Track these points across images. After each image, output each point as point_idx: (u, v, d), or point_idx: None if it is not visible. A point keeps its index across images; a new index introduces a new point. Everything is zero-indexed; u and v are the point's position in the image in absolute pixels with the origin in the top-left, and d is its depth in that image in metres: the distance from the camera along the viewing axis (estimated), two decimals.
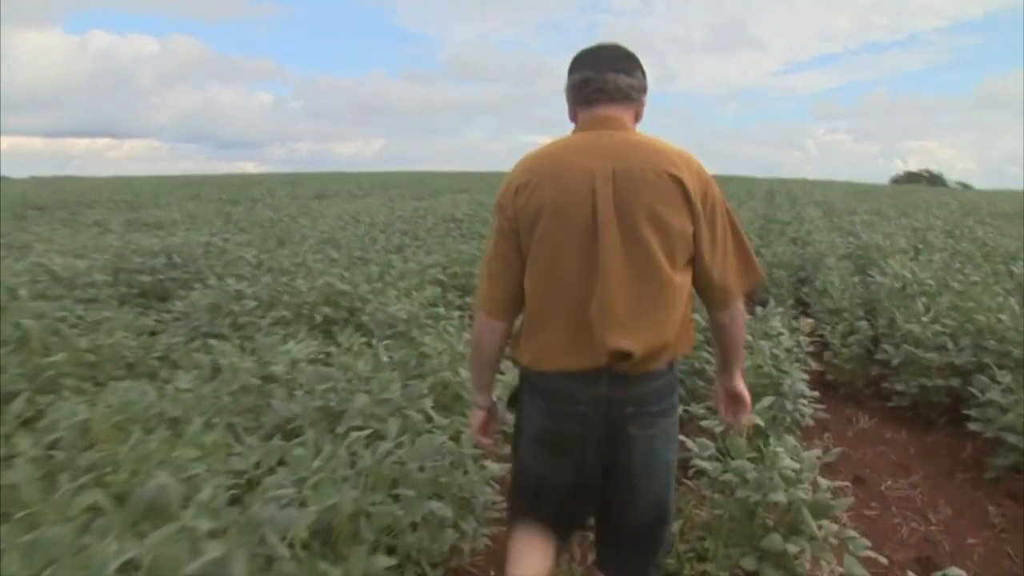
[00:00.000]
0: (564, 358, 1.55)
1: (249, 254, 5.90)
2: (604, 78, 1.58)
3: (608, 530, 1.75)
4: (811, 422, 3.04)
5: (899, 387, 3.97)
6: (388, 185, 28.48)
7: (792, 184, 38.86)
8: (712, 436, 2.36)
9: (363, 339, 3.92)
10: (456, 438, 2.35)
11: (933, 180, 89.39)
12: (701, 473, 2.33)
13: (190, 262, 5.49)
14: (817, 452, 2.24)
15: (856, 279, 5.65)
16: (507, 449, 2.05)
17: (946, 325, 4.00)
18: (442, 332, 3.93)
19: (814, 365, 4.18)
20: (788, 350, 3.20)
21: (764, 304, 6.24)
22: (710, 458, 2.34)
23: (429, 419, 2.41)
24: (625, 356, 1.50)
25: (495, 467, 2.32)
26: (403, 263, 5.57)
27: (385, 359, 2.95)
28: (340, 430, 2.21)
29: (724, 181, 42.89)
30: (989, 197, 27.81)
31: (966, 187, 75.87)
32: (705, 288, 1.59)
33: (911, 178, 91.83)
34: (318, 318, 4.09)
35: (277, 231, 7.73)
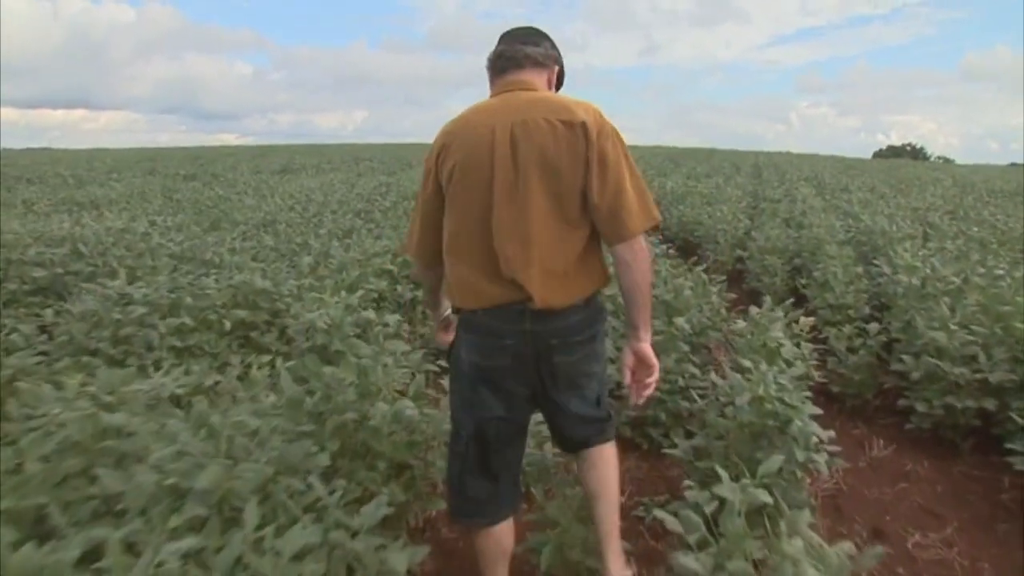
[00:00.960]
0: (479, 298, 1.75)
1: (175, 241, 5.19)
2: (513, 48, 1.84)
3: (558, 428, 1.97)
4: (827, 476, 2.43)
5: (920, 407, 3.38)
6: (361, 158, 27.60)
7: (777, 158, 38.44)
8: (703, 514, 1.73)
9: (276, 355, 3.28)
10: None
11: (915, 154, 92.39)
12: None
13: (98, 253, 4.77)
14: (847, 547, 1.62)
15: (860, 270, 5.04)
16: None
17: (975, 332, 3.40)
18: (375, 342, 3.30)
19: (817, 376, 3.58)
20: (798, 378, 2.57)
21: (758, 301, 5.68)
22: (698, 543, 1.71)
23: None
24: (534, 297, 1.69)
25: None
26: (345, 252, 4.88)
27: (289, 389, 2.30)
28: (174, 523, 1.56)
29: (708, 154, 42.72)
30: (979, 173, 27.47)
31: (947, 161, 77.42)
32: (600, 222, 1.73)
33: (894, 152, 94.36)
34: (228, 325, 3.41)
35: (216, 212, 7.00)
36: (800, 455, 2.21)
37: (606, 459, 2.03)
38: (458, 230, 1.78)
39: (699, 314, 3.81)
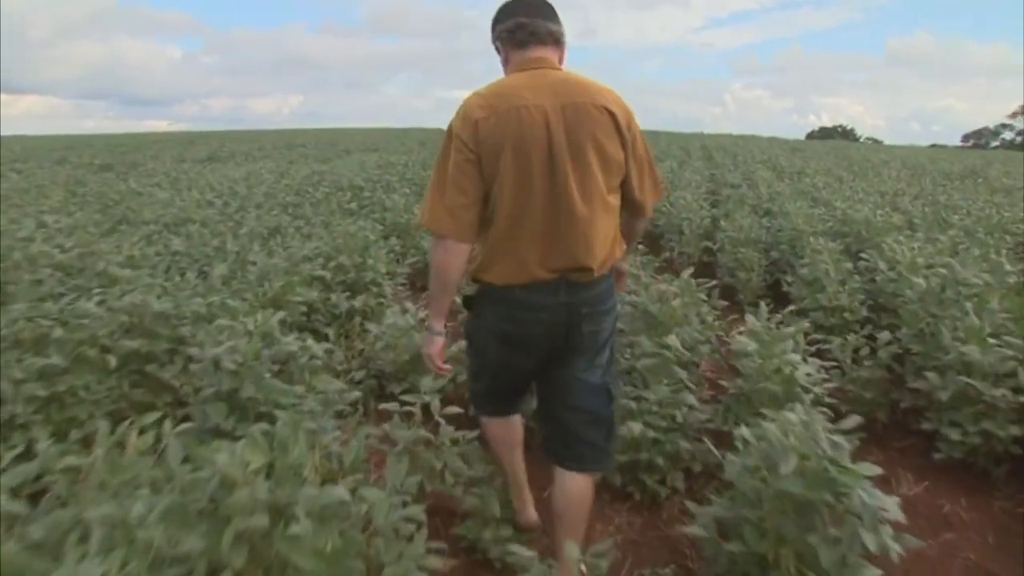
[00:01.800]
0: (531, 273, 1.84)
1: (63, 247, 4.39)
2: (535, 23, 1.88)
3: (567, 419, 2.03)
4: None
5: (952, 434, 2.91)
6: (294, 144, 26.44)
7: (722, 140, 38.55)
8: None
9: (169, 406, 2.62)
10: None
11: (846, 135, 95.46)
12: None
13: None
14: None
15: (849, 266, 4.58)
16: None
17: (1010, 344, 2.94)
18: (301, 379, 2.67)
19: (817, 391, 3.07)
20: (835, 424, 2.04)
21: (733, 298, 5.21)
22: None
23: None
24: (585, 269, 1.85)
25: None
26: (268, 257, 4.19)
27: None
28: None
29: (650, 136, 42.60)
30: (907, 152, 27.88)
31: (876, 142, 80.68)
32: (628, 201, 1.97)
33: (825, 133, 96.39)
34: (113, 362, 2.72)
35: (122, 209, 6.17)
36: (871, 541, 1.67)
37: (585, 487, 2.06)
38: (511, 208, 1.82)
39: (689, 328, 3.27)
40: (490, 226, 1.86)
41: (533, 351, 1.97)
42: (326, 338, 4.08)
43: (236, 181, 8.85)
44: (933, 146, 64.26)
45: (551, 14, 1.93)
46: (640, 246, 5.85)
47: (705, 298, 3.70)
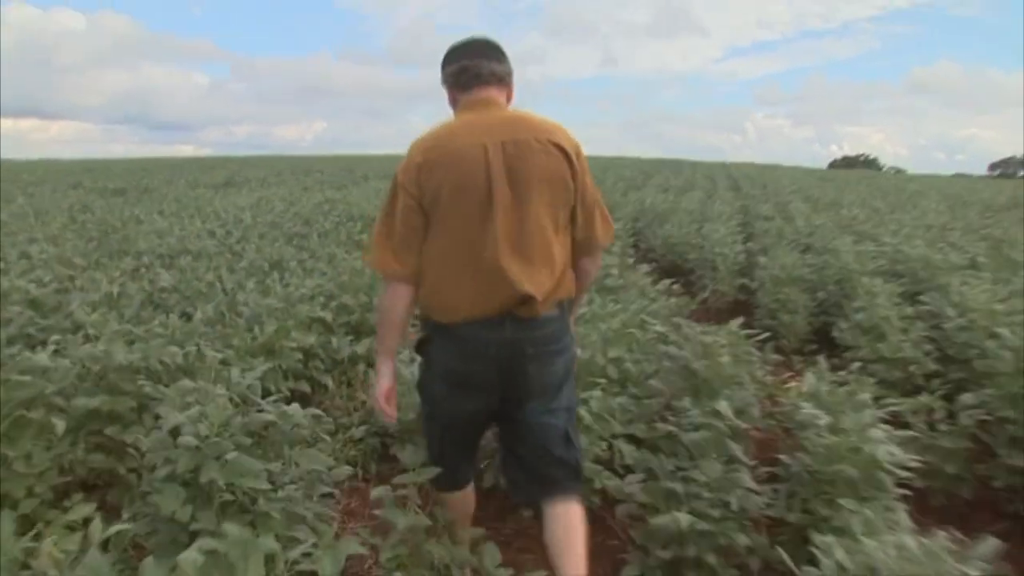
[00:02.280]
0: (472, 309, 1.85)
1: (40, 282, 4.03)
2: (479, 64, 1.93)
3: (530, 462, 2.02)
4: None
5: None
6: (311, 170, 26.31)
7: (743, 168, 38.12)
8: None
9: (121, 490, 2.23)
10: None
11: (869, 164, 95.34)
12: None
13: None
14: None
15: (910, 311, 4.10)
16: None
17: None
18: (281, 454, 2.27)
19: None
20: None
21: (775, 343, 4.74)
22: None
23: None
24: (528, 300, 1.82)
25: None
26: (263, 296, 3.80)
27: None
28: None
29: (670, 164, 42.17)
30: (932, 182, 27.24)
31: (899, 171, 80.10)
32: (578, 235, 1.97)
33: (848, 162, 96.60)
34: (60, 427, 2.32)
35: (118, 238, 5.83)
36: None
37: (571, 514, 1.99)
38: (450, 247, 1.87)
39: (740, 389, 2.82)
40: (433, 265, 1.90)
41: (481, 392, 1.95)
42: (325, 388, 3.67)
43: (244, 209, 8.51)
44: (957, 175, 63.75)
45: (496, 55, 1.97)
46: (674, 285, 5.44)
47: (757, 352, 3.25)
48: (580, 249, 2.00)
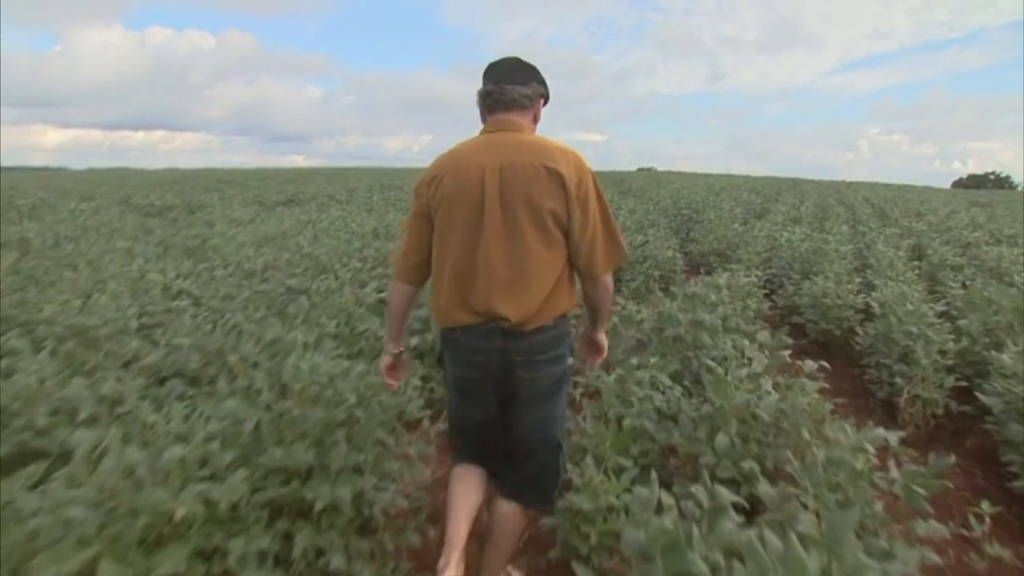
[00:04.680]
0: (457, 315, 2.09)
1: None
2: (503, 90, 2.12)
3: (514, 459, 2.27)
4: None
5: None
6: (391, 185, 25.12)
7: (860, 188, 35.00)
8: None
9: None
10: None
11: (1000, 183, 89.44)
12: None
13: None
14: None
15: None
16: None
17: None
18: None
19: None
20: None
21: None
22: None
23: None
24: (504, 319, 2.03)
25: None
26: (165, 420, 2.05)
27: None
28: None
29: (775, 183, 39.32)
30: None
31: None
32: (575, 260, 2.12)
33: (975, 181, 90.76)
34: None
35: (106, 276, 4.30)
36: None
37: (518, 516, 2.32)
38: (445, 257, 2.10)
39: None
40: (434, 273, 2.18)
41: (478, 397, 2.18)
42: None
43: (265, 241, 6.97)
44: None
45: (524, 78, 2.15)
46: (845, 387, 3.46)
47: None
48: (580, 275, 2.18)
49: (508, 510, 2.29)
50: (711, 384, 2.99)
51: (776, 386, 3.17)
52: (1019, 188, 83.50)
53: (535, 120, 2.23)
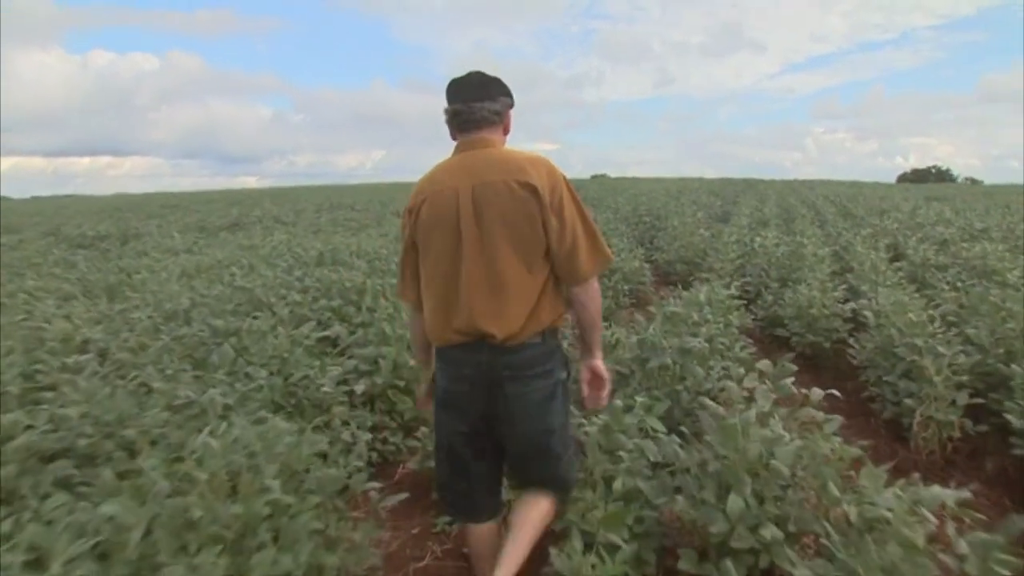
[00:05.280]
0: (446, 336, 2.14)
1: None
2: (471, 109, 2.15)
3: (516, 468, 2.36)
4: None
5: None
6: (342, 204, 24.42)
7: (815, 186, 35.32)
8: None
9: None
10: None
11: (941, 176, 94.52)
12: None
13: None
14: None
15: None
16: None
17: None
18: None
19: None
20: None
21: None
22: None
23: None
24: (490, 336, 2.06)
25: None
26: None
27: None
28: None
29: (729, 184, 39.40)
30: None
31: (975, 183, 77.87)
32: (559, 268, 2.13)
33: (919, 175, 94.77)
34: None
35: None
36: None
37: (539, 503, 2.32)
38: (430, 279, 2.16)
39: None
40: (423, 295, 2.21)
41: (464, 410, 2.20)
42: None
43: (198, 271, 6.35)
44: None
45: (490, 92, 2.17)
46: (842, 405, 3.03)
47: None
48: (566, 281, 2.16)
49: (530, 496, 2.33)
50: (716, 433, 2.52)
51: (787, 426, 2.71)
52: (959, 180, 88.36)
53: (505, 132, 2.26)
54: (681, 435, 2.90)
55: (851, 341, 5.03)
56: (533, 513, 2.29)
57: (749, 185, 38.19)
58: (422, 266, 2.18)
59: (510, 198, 2.03)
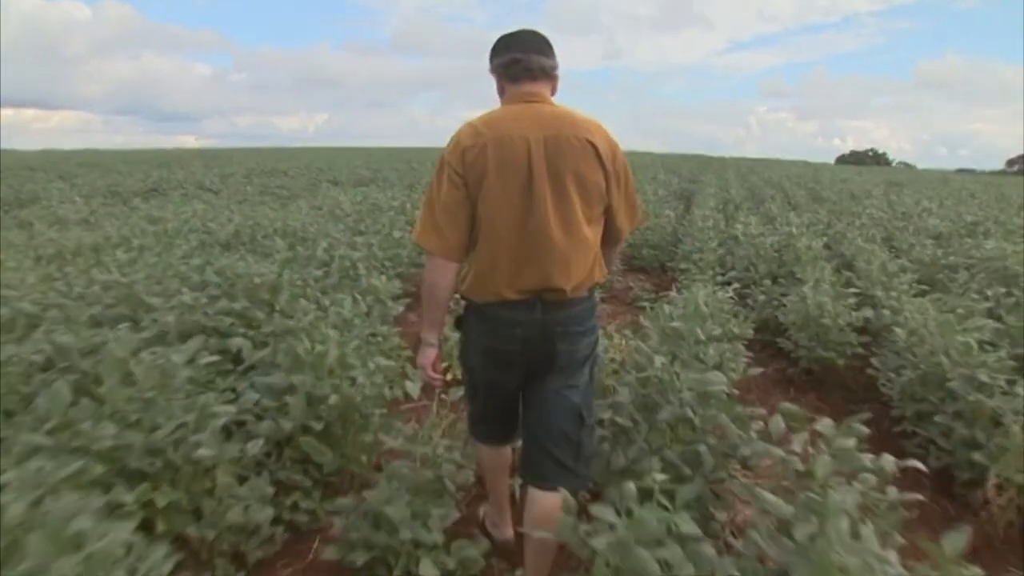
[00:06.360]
0: (508, 291, 2.09)
1: None
2: (529, 59, 2.13)
3: (537, 434, 2.24)
4: None
5: None
6: (276, 171, 22.95)
7: (747, 163, 35.21)
8: None
9: None
10: None
11: (878, 159, 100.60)
12: None
13: None
14: None
15: None
16: None
17: None
18: None
19: None
20: None
21: None
22: None
23: None
24: (558, 290, 2.08)
25: None
26: None
27: None
28: None
29: (675, 160, 39.21)
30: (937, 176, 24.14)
31: (909, 167, 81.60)
32: (608, 228, 2.22)
33: (856, 158, 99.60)
34: None
35: None
36: None
37: (552, 503, 2.11)
38: (491, 230, 2.07)
39: None
40: (473, 247, 2.14)
41: (513, 367, 2.20)
42: None
43: (75, 254, 5.22)
44: (961, 170, 66.86)
45: (545, 48, 2.17)
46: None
47: None
48: (612, 236, 2.26)
49: (541, 505, 2.22)
50: (801, 569, 1.62)
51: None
52: (894, 164, 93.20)
53: (553, 92, 2.22)
54: (721, 541, 2.00)
55: (873, 361, 4.24)
56: (550, 527, 2.07)
57: (703, 162, 37.77)
58: (482, 214, 2.08)
59: (583, 154, 2.05)
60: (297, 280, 4.22)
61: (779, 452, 2.29)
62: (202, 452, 2.32)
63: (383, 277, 5.04)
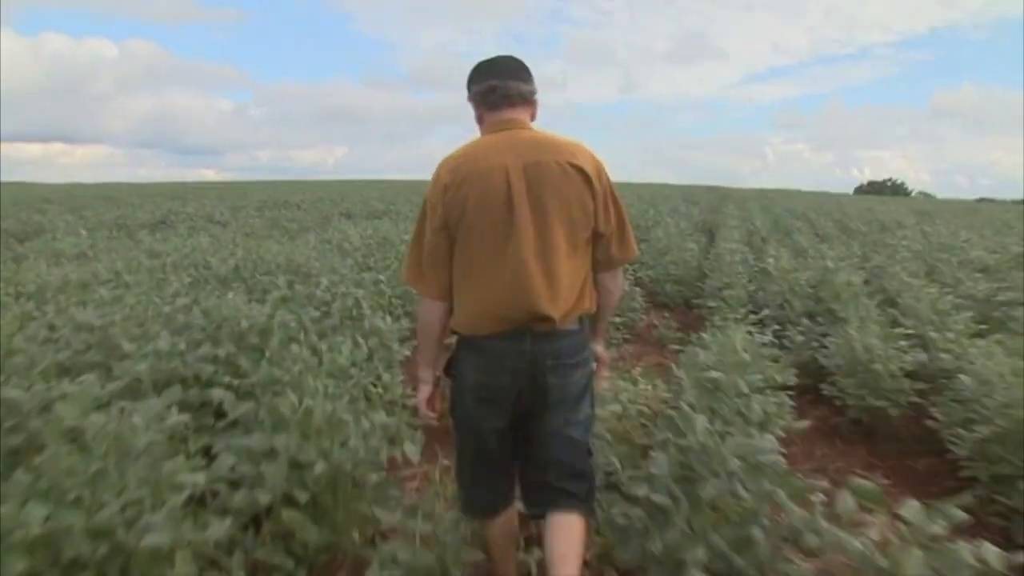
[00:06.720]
0: (494, 324, 2.04)
1: None
2: (507, 85, 2.11)
3: (536, 471, 2.17)
4: None
5: None
6: (288, 203, 22.76)
7: (770, 195, 34.83)
8: None
9: None
10: None
11: (896, 189, 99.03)
12: None
13: None
14: None
15: None
16: None
17: None
18: None
19: None
20: None
21: None
22: None
23: None
24: (546, 319, 2.01)
25: None
26: None
27: None
28: None
29: (693, 191, 38.83)
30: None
31: (928, 196, 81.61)
32: (600, 252, 2.14)
33: (875, 188, 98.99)
34: None
35: None
36: None
37: (572, 524, 2.07)
38: (474, 262, 2.05)
39: None
40: (458, 281, 2.10)
41: (504, 404, 2.11)
42: None
43: (59, 290, 4.90)
44: (982, 200, 66.88)
45: (523, 74, 2.14)
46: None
47: None
48: (599, 266, 2.17)
49: (564, 519, 2.08)
50: None
51: None
52: (914, 194, 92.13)
53: (532, 118, 2.19)
54: None
55: (935, 412, 3.80)
56: (574, 537, 2.06)
57: (721, 193, 37.37)
58: (462, 250, 2.07)
59: (564, 179, 2.02)
60: (291, 322, 3.85)
61: (856, 544, 1.89)
62: (151, 539, 1.93)
63: (388, 318, 4.65)
